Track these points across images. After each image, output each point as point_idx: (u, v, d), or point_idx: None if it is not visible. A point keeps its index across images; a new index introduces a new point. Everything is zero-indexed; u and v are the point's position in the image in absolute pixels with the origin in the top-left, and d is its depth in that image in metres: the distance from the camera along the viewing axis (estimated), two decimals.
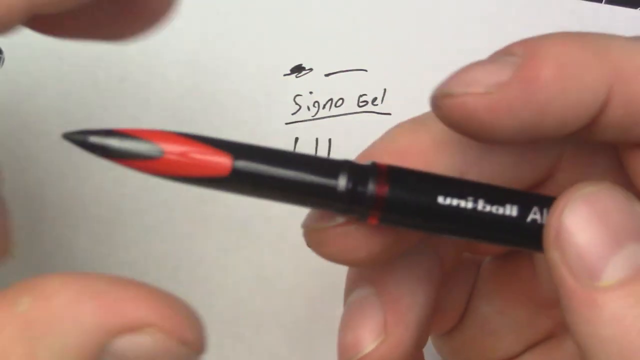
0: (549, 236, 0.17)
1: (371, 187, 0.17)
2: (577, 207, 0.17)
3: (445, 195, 0.17)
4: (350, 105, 0.30)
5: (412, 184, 0.18)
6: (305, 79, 0.30)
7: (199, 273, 0.29)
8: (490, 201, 0.18)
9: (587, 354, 0.17)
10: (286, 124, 0.30)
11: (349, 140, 0.30)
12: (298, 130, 0.30)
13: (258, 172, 0.17)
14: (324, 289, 0.30)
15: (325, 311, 0.30)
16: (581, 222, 0.17)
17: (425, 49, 0.30)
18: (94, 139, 0.16)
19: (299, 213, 0.30)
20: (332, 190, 0.17)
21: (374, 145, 0.20)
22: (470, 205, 0.17)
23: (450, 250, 0.23)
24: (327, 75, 0.30)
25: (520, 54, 0.18)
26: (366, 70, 0.30)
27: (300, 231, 0.30)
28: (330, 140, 0.30)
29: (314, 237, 0.19)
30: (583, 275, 0.17)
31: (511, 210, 0.18)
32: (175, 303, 0.16)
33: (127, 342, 0.16)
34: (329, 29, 0.30)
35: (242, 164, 0.17)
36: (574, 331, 0.17)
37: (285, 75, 0.30)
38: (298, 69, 0.30)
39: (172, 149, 0.16)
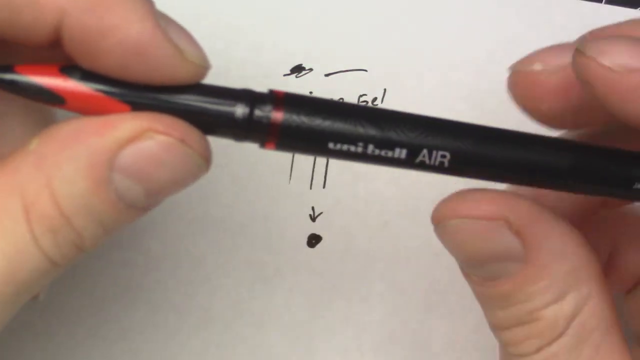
0: None
1: (267, 114, 0.18)
2: None
3: (335, 141, 0.18)
4: None
5: (306, 113, 0.18)
6: (305, 79, 0.30)
7: (199, 273, 0.29)
8: (379, 146, 0.18)
9: None
10: None
11: None
12: None
13: (157, 106, 0.18)
14: (325, 289, 0.30)
15: (325, 311, 0.30)
16: None
17: (425, 49, 0.30)
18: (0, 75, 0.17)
19: (298, 213, 0.30)
20: (231, 117, 0.18)
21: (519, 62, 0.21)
22: (360, 150, 0.18)
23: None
24: (327, 75, 0.30)
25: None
26: (366, 70, 0.30)
27: (299, 231, 0.30)
28: None
29: (514, 78, 0.20)
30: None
31: (400, 154, 0.18)
32: (172, 117, 0.17)
33: (132, 151, 0.17)
34: (329, 29, 0.30)
35: (141, 105, 0.18)
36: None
37: (285, 75, 0.30)
38: (298, 69, 0.30)
39: (73, 99, 0.17)
